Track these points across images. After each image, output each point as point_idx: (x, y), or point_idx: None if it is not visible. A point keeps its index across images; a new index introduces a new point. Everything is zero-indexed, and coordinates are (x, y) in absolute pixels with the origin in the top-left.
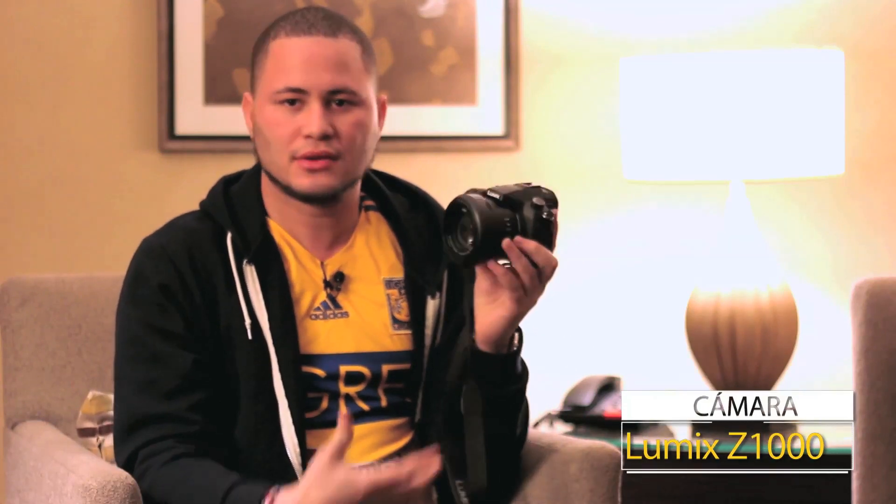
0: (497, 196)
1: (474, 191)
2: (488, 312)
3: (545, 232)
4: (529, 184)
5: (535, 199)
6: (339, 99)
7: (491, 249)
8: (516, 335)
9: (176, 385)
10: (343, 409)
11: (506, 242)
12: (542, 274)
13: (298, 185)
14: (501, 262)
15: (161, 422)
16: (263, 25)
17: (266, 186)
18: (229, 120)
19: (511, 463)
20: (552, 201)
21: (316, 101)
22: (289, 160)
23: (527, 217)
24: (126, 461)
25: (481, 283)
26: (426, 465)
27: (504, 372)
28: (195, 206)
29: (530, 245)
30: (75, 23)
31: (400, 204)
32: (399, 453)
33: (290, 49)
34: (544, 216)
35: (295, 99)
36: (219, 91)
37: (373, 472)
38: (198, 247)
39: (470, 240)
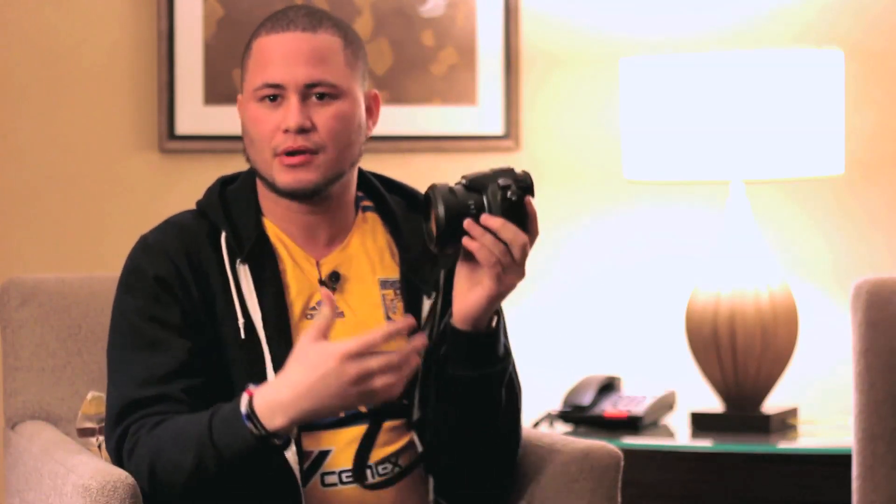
0: (464, 181)
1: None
2: (467, 292)
3: (513, 211)
4: (506, 168)
5: (500, 181)
6: (317, 92)
7: (456, 233)
8: (495, 318)
9: (171, 370)
10: (325, 290)
11: (467, 222)
12: (511, 251)
13: (280, 181)
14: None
15: (152, 403)
16: None
17: (259, 185)
18: (229, 120)
19: (503, 464)
20: (522, 182)
21: (293, 95)
22: (271, 156)
23: (492, 198)
24: (115, 445)
25: (462, 268)
26: (405, 326)
27: (479, 352)
28: (195, 206)
29: (495, 223)
30: (75, 23)
31: (397, 205)
32: (397, 454)
33: (269, 46)
34: (510, 195)
35: (275, 95)
36: (219, 91)
37: (348, 340)
38: (193, 243)
39: (434, 225)
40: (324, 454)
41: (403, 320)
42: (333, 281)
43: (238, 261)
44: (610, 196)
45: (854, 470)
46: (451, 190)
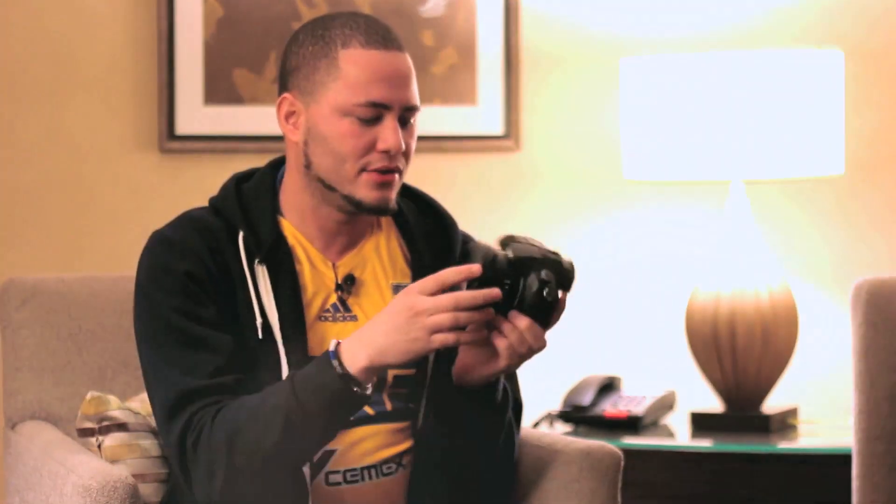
0: (510, 254)
1: (509, 239)
2: (468, 357)
3: (543, 311)
4: (553, 255)
5: (543, 273)
6: (407, 116)
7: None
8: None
9: (220, 365)
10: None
11: (498, 320)
12: (530, 351)
13: (366, 197)
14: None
15: (210, 393)
16: (263, 25)
17: (294, 188)
18: (229, 120)
19: (496, 475)
20: (564, 278)
21: (393, 116)
22: (356, 172)
23: (529, 288)
24: (178, 438)
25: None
26: (478, 271)
27: (476, 402)
28: (195, 206)
29: (522, 322)
30: (76, 23)
31: (408, 208)
32: (400, 456)
33: (371, 62)
34: (546, 295)
35: (375, 114)
36: (219, 91)
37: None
38: (214, 241)
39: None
40: (329, 454)
41: (478, 267)
42: (349, 284)
43: (256, 261)
44: (610, 196)
45: (854, 470)
46: (492, 260)
